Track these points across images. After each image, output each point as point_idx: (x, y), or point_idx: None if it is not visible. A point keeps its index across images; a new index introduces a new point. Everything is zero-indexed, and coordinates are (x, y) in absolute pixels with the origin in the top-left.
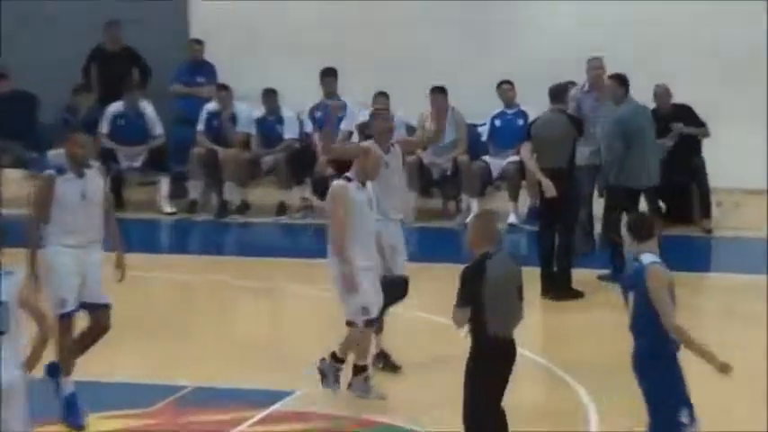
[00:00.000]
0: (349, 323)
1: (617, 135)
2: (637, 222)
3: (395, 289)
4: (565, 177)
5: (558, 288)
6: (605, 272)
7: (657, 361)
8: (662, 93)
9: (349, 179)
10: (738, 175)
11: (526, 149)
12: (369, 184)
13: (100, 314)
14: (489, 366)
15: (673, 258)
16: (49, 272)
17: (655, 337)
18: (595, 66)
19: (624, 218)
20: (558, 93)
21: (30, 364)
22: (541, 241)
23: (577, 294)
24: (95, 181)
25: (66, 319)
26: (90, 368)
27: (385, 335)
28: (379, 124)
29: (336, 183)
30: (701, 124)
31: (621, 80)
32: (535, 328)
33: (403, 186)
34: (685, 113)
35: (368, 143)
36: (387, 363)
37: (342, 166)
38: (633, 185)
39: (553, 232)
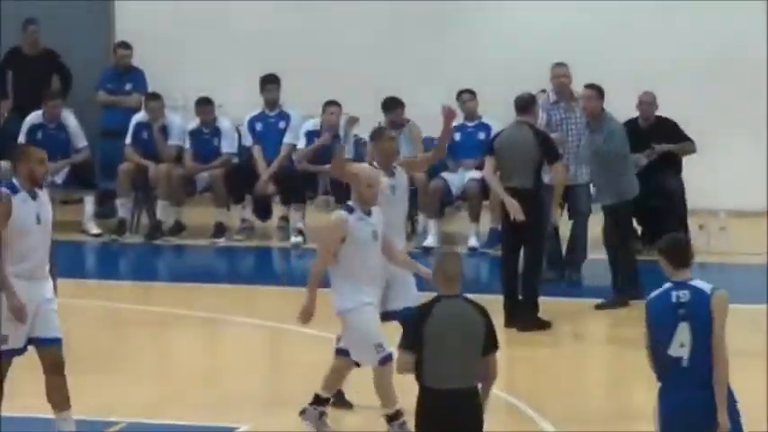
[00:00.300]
0: (339, 352)
1: (603, 164)
2: (677, 246)
3: None
4: (530, 197)
5: (524, 318)
6: (601, 301)
7: (733, 405)
8: (648, 102)
9: (351, 209)
10: (726, 195)
11: (489, 166)
12: (376, 211)
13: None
14: (423, 421)
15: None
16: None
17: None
18: (560, 73)
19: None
20: (525, 104)
21: None
22: (505, 267)
23: (544, 325)
24: (47, 203)
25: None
26: (14, 402)
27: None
28: (383, 144)
29: (336, 213)
30: (685, 139)
31: (600, 92)
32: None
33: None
34: (669, 129)
35: (360, 166)
36: (340, 400)
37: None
38: (629, 198)
39: (517, 257)
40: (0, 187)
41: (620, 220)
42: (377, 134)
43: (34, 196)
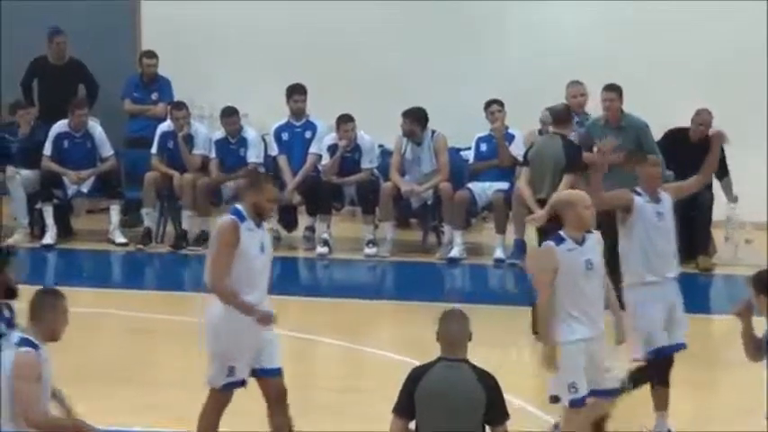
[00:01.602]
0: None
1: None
2: None
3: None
4: None
5: None
6: None
7: None
8: (707, 123)
9: (561, 239)
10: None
11: (524, 177)
12: (592, 238)
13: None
14: None
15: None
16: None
17: None
18: (576, 92)
19: None
20: (559, 115)
21: None
22: None
23: None
24: (268, 234)
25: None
26: None
27: (357, 375)
28: (648, 169)
29: (546, 244)
30: (723, 161)
31: (620, 93)
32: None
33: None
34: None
35: (568, 191)
36: None
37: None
38: None
39: None
40: (228, 214)
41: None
42: (639, 159)
43: (258, 224)
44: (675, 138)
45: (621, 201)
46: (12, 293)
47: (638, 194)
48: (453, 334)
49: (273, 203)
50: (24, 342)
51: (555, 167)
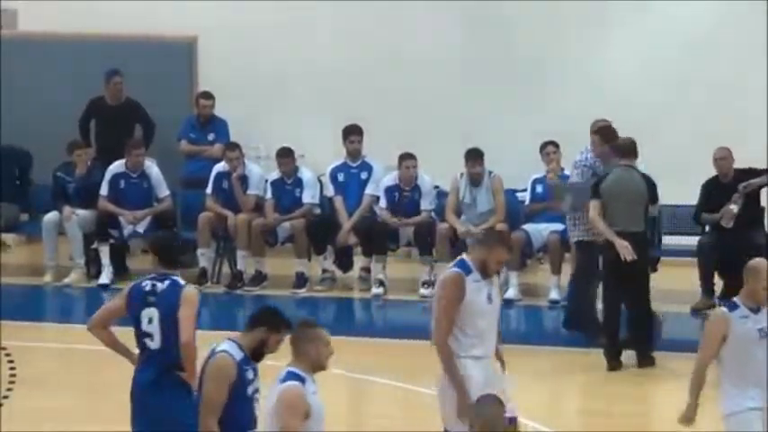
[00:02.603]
0: None
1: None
2: None
3: None
4: (641, 240)
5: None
6: None
7: None
8: (723, 158)
9: (734, 306)
10: None
11: (595, 210)
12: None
13: None
14: None
15: None
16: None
17: None
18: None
19: None
20: (629, 148)
21: None
22: (607, 313)
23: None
24: (496, 284)
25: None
26: None
27: (411, 415)
28: None
29: (719, 310)
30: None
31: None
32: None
33: None
34: (752, 178)
35: (759, 259)
36: None
37: None
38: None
39: (621, 295)
40: (453, 267)
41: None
42: None
43: (485, 277)
44: (710, 184)
45: None
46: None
47: None
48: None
49: (500, 266)
50: (291, 376)
51: (636, 199)
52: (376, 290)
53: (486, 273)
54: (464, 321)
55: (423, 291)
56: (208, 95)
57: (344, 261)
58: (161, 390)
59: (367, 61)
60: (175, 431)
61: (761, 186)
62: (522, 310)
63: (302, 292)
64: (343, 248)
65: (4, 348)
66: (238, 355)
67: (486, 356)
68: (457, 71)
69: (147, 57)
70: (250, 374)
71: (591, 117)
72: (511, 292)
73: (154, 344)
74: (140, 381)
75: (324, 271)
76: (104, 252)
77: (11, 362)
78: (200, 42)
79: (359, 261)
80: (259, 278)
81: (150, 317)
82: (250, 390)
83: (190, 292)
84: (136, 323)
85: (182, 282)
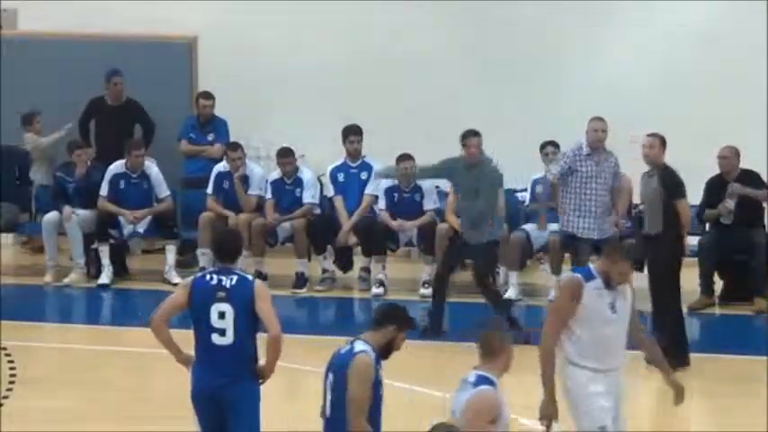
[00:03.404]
0: None
1: None
2: None
3: None
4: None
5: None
6: None
7: None
8: (729, 156)
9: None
10: None
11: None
12: None
13: None
14: None
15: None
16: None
17: None
18: (597, 127)
19: None
20: None
21: None
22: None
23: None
24: (627, 292)
25: None
26: None
27: (411, 415)
28: None
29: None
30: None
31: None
32: None
33: None
34: (755, 180)
35: None
36: None
37: None
38: None
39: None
40: (574, 272)
41: None
42: None
43: (608, 285)
44: (713, 183)
45: None
46: None
47: None
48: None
49: (623, 279)
50: (483, 380)
51: (653, 200)
52: (376, 290)
53: (608, 284)
54: (582, 329)
55: (423, 291)
56: (208, 95)
57: (344, 261)
58: (240, 384)
59: (367, 61)
60: (253, 425)
61: (758, 198)
62: (523, 310)
63: (302, 292)
64: (343, 248)
65: (4, 348)
66: (372, 354)
67: (608, 369)
68: (457, 71)
69: (147, 57)
70: (381, 374)
71: (589, 117)
72: (511, 292)
73: (225, 339)
74: (214, 377)
75: (324, 271)
76: (104, 252)
77: (11, 362)
78: (201, 42)
79: (359, 261)
80: (259, 278)
81: (222, 312)
82: (381, 390)
83: (261, 285)
84: (203, 319)
85: (249, 276)
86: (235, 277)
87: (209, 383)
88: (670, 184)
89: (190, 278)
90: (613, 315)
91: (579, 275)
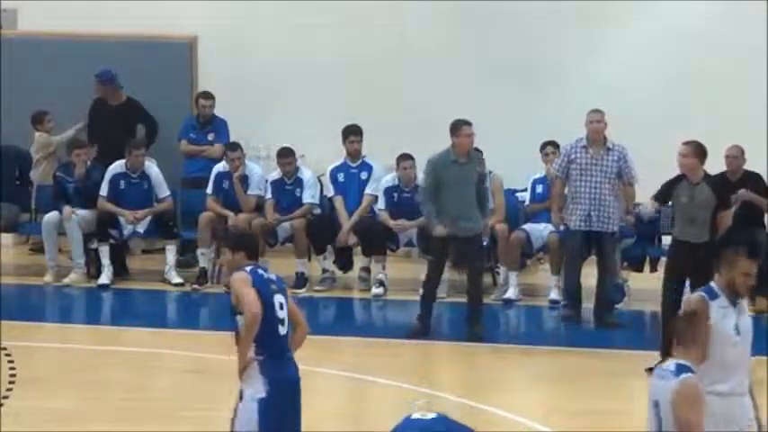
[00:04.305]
0: None
1: None
2: None
3: None
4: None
5: None
6: None
7: None
8: (735, 156)
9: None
10: None
11: None
12: None
13: None
14: None
15: None
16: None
17: None
18: (595, 119)
19: None
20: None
21: None
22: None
23: None
24: (746, 312)
25: None
26: None
27: None
28: None
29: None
30: None
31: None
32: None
33: None
34: (756, 182)
35: None
36: None
37: None
38: None
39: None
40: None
41: None
42: None
43: (734, 303)
44: (716, 180)
45: None
46: None
47: None
48: None
49: (749, 278)
50: (683, 369)
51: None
52: (376, 290)
53: (735, 293)
54: (708, 350)
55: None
56: (208, 95)
57: (344, 261)
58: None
59: (367, 61)
60: None
61: (759, 205)
62: (523, 309)
63: (302, 292)
64: (343, 248)
65: (4, 348)
66: None
67: (733, 393)
68: (457, 71)
69: (147, 57)
70: None
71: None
72: (511, 292)
73: (284, 329)
74: (294, 366)
75: (324, 271)
76: (104, 252)
77: (11, 362)
78: (200, 42)
79: (359, 261)
80: None
81: (281, 302)
82: None
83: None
84: (269, 312)
85: None
86: (269, 271)
87: (296, 373)
88: (722, 193)
89: (242, 274)
90: (737, 337)
91: (704, 294)
